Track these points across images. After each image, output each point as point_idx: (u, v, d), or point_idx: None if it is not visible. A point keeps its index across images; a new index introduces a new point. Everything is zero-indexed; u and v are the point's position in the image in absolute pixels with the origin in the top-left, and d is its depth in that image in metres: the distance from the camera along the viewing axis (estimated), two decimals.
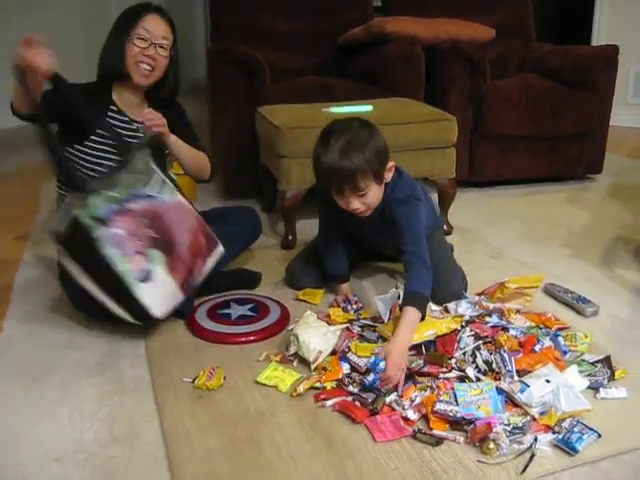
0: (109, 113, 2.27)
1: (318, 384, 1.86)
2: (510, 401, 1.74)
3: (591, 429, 1.63)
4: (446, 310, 2.19)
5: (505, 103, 3.62)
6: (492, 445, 1.57)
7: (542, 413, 1.70)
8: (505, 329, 2.04)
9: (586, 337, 2.05)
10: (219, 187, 3.57)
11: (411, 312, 1.93)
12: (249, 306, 2.31)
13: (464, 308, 2.17)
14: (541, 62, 4.05)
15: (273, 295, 2.42)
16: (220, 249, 2.23)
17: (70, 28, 5.83)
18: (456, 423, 1.67)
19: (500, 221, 3.27)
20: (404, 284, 2.05)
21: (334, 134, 2.05)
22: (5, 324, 2.26)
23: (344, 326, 2.13)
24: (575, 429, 1.62)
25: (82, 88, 2.25)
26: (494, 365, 1.85)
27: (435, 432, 1.65)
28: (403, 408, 1.73)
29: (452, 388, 1.76)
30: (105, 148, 2.23)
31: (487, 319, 2.10)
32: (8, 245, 2.99)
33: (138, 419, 1.75)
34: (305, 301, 2.39)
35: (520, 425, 1.63)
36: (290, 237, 2.89)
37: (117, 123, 2.28)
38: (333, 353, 1.99)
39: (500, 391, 1.75)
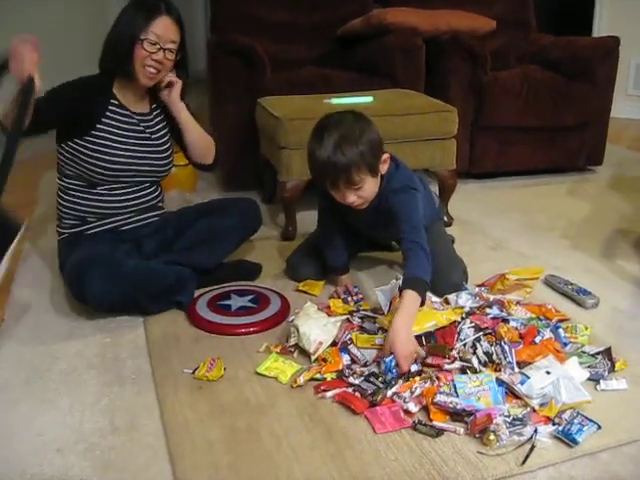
0: (110, 107, 2.26)
1: (318, 375, 1.86)
2: (510, 393, 1.74)
3: (591, 421, 1.63)
4: (446, 302, 2.19)
5: (506, 94, 3.61)
6: (492, 436, 1.58)
7: (542, 405, 1.70)
8: (505, 321, 2.04)
9: (586, 329, 2.05)
10: (219, 178, 3.57)
11: (410, 295, 1.91)
12: (249, 297, 2.31)
13: (464, 300, 2.17)
14: (542, 53, 4.04)
15: (273, 286, 2.43)
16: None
17: (71, 26, 5.82)
18: (456, 414, 1.68)
19: (500, 213, 3.26)
20: (404, 271, 2.04)
21: (327, 128, 2.04)
22: (6, 315, 2.26)
23: (344, 317, 2.13)
24: (575, 421, 1.63)
25: (83, 82, 2.24)
26: (494, 356, 1.85)
27: (435, 423, 1.66)
28: (404, 401, 1.73)
29: (452, 380, 1.76)
30: (106, 143, 2.22)
31: (487, 310, 2.10)
32: None
33: (138, 410, 1.75)
34: (305, 292, 2.39)
35: (520, 416, 1.63)
36: (290, 228, 2.89)
37: (118, 117, 2.26)
38: (333, 344, 1.99)
39: (500, 383, 1.75)
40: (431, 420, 1.67)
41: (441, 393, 1.71)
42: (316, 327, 1.98)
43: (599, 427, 1.63)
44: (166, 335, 2.11)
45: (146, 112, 2.36)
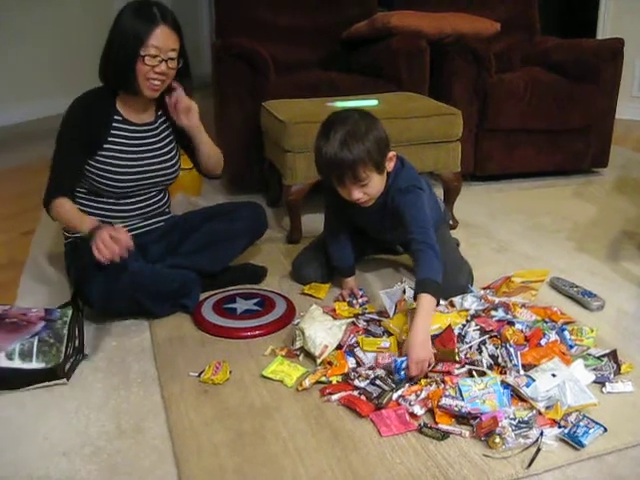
0: (114, 124, 2.24)
1: (324, 378, 1.86)
2: (516, 395, 1.74)
3: (597, 423, 1.63)
4: (451, 304, 2.19)
5: (510, 97, 3.61)
6: (498, 439, 1.58)
7: (548, 407, 1.69)
8: (511, 323, 2.03)
9: (592, 331, 2.05)
10: (224, 182, 3.57)
11: (426, 299, 1.91)
12: (255, 300, 2.31)
13: (470, 302, 2.17)
14: (546, 56, 4.04)
15: (279, 289, 2.43)
16: None
17: (70, 24, 5.83)
18: (462, 417, 1.68)
19: (505, 215, 3.26)
20: (415, 272, 2.04)
21: (334, 126, 2.06)
22: None
23: (350, 320, 2.13)
24: (581, 423, 1.62)
25: (84, 107, 2.22)
26: (500, 359, 1.85)
27: (441, 426, 1.66)
28: (409, 404, 1.73)
29: (457, 383, 1.76)
30: (113, 161, 2.22)
31: (493, 313, 2.09)
32: (14, 241, 3.00)
33: (144, 413, 1.76)
34: (310, 295, 2.39)
35: (526, 419, 1.63)
36: (295, 231, 2.89)
37: (123, 133, 2.26)
38: (339, 347, 1.99)
39: (506, 385, 1.75)
40: (437, 423, 1.67)
41: (446, 396, 1.71)
42: (321, 330, 1.98)
43: (605, 430, 1.62)
44: (172, 338, 2.12)
45: (151, 121, 2.34)
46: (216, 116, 3.56)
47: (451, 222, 3.02)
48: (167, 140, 2.39)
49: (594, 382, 1.82)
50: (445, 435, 1.63)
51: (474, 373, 1.82)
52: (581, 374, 1.79)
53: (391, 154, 2.13)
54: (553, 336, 1.98)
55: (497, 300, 2.17)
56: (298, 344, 2.00)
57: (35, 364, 1.87)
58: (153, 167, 2.32)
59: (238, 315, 2.22)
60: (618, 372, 1.87)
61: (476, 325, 1.99)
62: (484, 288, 2.32)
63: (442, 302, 2.10)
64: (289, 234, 2.91)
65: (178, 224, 2.48)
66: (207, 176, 2.58)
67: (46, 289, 2.47)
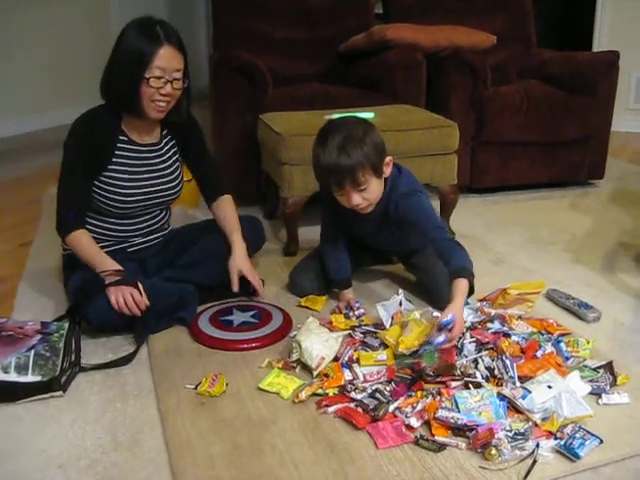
0: (119, 144, 2.23)
1: (320, 390, 1.86)
2: (512, 407, 1.74)
3: (593, 435, 1.63)
4: None
5: (506, 109, 3.62)
6: (494, 451, 1.58)
7: (544, 419, 1.69)
8: (507, 335, 2.04)
9: (588, 343, 2.05)
10: None
11: (463, 282, 1.99)
12: (251, 313, 2.32)
13: (466, 314, 2.16)
14: (542, 68, 4.06)
15: (275, 302, 2.43)
16: None
17: (70, 36, 5.85)
18: (458, 429, 1.68)
19: (502, 227, 3.27)
20: (447, 264, 2.08)
21: (331, 133, 2.09)
22: None
23: (346, 333, 2.13)
24: (577, 435, 1.63)
25: (89, 128, 2.20)
26: (496, 371, 1.86)
27: (437, 438, 1.66)
28: (406, 416, 1.73)
29: (453, 395, 1.76)
30: (117, 182, 2.22)
31: (489, 325, 2.10)
32: (12, 252, 3.00)
33: (140, 425, 1.75)
34: (307, 307, 2.39)
35: (522, 431, 1.63)
36: (292, 244, 2.90)
37: (127, 154, 2.24)
38: (335, 359, 1.99)
39: (502, 397, 1.75)
40: (433, 435, 1.67)
41: (443, 408, 1.71)
42: (318, 342, 1.98)
43: (601, 441, 1.62)
44: (168, 350, 2.12)
45: (156, 142, 2.33)
46: (213, 128, 3.57)
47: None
48: (171, 160, 2.38)
49: (590, 394, 1.82)
50: (441, 447, 1.63)
51: (470, 385, 1.82)
52: (577, 386, 1.79)
53: (388, 159, 2.15)
54: (549, 348, 1.99)
55: (493, 312, 2.18)
56: (295, 356, 2.00)
57: (31, 377, 1.87)
58: (156, 188, 2.31)
59: (235, 327, 2.22)
60: (614, 383, 1.87)
61: (472, 337, 2.00)
62: (480, 300, 2.33)
63: (438, 314, 2.10)
64: (286, 246, 2.92)
65: (176, 237, 2.49)
66: None
67: (43, 301, 2.46)
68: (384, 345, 2.05)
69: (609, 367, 1.91)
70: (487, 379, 1.85)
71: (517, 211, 3.54)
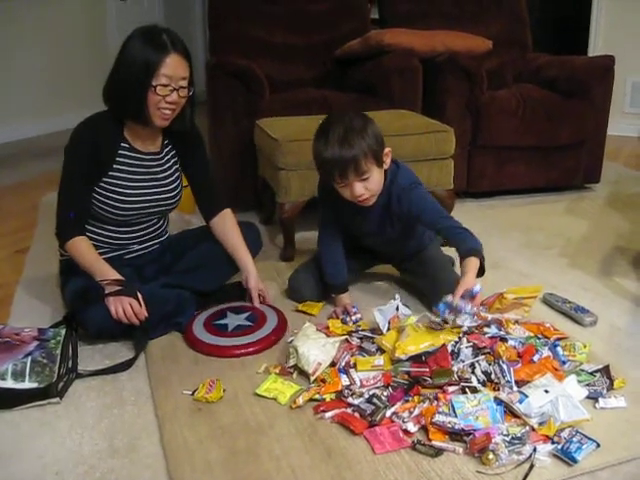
0: (120, 151, 2.22)
1: (317, 396, 1.86)
2: (509, 411, 1.74)
3: (590, 439, 1.63)
4: (445, 321, 2.19)
5: (502, 114, 3.63)
6: (491, 456, 1.58)
7: (541, 423, 1.70)
8: (504, 340, 2.04)
9: (585, 347, 2.05)
10: None
11: (473, 261, 2.07)
12: (245, 315, 2.30)
13: (462, 319, 2.16)
14: (538, 73, 4.07)
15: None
16: None
17: (69, 42, 5.86)
18: (455, 434, 1.68)
19: (498, 232, 3.27)
20: (458, 249, 2.16)
21: (331, 126, 2.13)
22: None
23: (343, 338, 2.13)
24: (574, 439, 1.63)
25: (90, 123, 2.20)
26: (493, 376, 1.86)
27: (434, 443, 1.66)
28: (403, 421, 1.73)
29: (450, 400, 1.76)
30: (117, 189, 2.22)
31: (486, 330, 2.10)
32: (9, 258, 3.00)
33: (138, 431, 1.75)
34: (304, 312, 2.39)
35: (519, 435, 1.63)
36: (289, 249, 2.90)
37: (128, 161, 2.24)
38: (332, 365, 1.99)
39: (499, 402, 1.75)
40: (430, 440, 1.67)
41: (440, 413, 1.71)
42: (315, 348, 1.98)
43: (598, 445, 1.63)
44: (165, 356, 2.12)
45: (157, 151, 2.33)
46: (210, 133, 3.58)
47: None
48: (172, 170, 2.38)
49: (587, 398, 1.82)
50: (439, 452, 1.63)
51: (467, 390, 1.82)
52: (574, 390, 1.79)
53: (387, 149, 2.19)
54: (546, 352, 1.99)
55: (490, 317, 2.18)
56: (292, 362, 2.00)
57: (28, 384, 1.87)
58: (156, 197, 2.31)
59: (229, 332, 2.21)
60: (611, 387, 1.87)
61: (469, 342, 2.00)
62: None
63: (434, 319, 2.10)
64: (283, 251, 2.92)
65: (172, 244, 2.49)
66: None
67: (40, 308, 2.46)
68: (381, 350, 2.05)
69: (606, 371, 1.91)
70: (484, 384, 1.85)
71: (513, 215, 3.55)
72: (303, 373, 1.97)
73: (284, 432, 1.73)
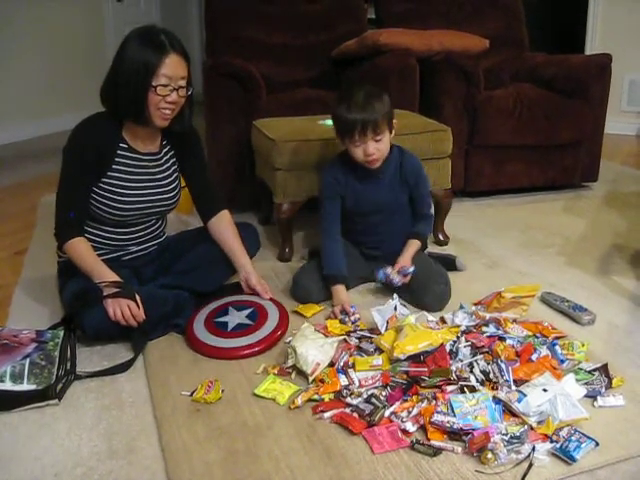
0: (119, 152, 2.22)
1: (316, 396, 1.86)
2: (508, 411, 1.74)
3: (589, 437, 1.63)
4: (443, 321, 2.20)
5: (500, 113, 3.63)
6: (490, 455, 1.58)
7: (540, 422, 1.70)
8: (502, 339, 2.04)
9: (583, 345, 2.06)
10: None
11: (415, 242, 2.52)
12: (247, 312, 2.29)
13: (461, 318, 2.17)
14: (535, 72, 4.07)
15: None
16: None
17: (68, 43, 5.87)
18: (454, 434, 1.68)
19: (496, 231, 3.28)
20: (413, 226, 2.57)
21: (352, 90, 2.38)
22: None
23: (341, 338, 2.13)
24: (573, 438, 1.63)
25: (89, 123, 2.20)
26: (491, 375, 1.86)
27: (433, 443, 1.66)
28: (401, 420, 1.73)
29: (449, 399, 1.76)
30: (115, 189, 2.21)
31: (484, 329, 2.10)
32: (6, 260, 3.00)
33: (136, 433, 1.75)
34: (298, 312, 2.39)
35: (518, 434, 1.63)
36: (287, 249, 2.90)
37: (127, 161, 2.23)
38: (331, 365, 1.99)
39: (497, 401, 1.75)
40: (429, 439, 1.67)
41: (438, 413, 1.71)
42: (313, 348, 1.98)
43: (597, 444, 1.63)
44: (163, 357, 2.11)
45: (156, 152, 2.33)
46: (207, 134, 3.58)
47: (442, 238, 3.05)
48: (170, 171, 2.38)
49: (585, 396, 1.82)
50: (437, 451, 1.63)
51: (465, 389, 1.83)
52: (572, 388, 1.79)
53: (395, 120, 2.43)
54: (544, 351, 1.99)
55: (488, 316, 2.18)
56: (290, 362, 2.00)
57: (26, 386, 1.87)
58: (154, 197, 2.31)
59: (229, 332, 2.20)
60: (609, 386, 1.87)
61: (467, 341, 2.00)
62: (475, 304, 2.33)
63: (433, 318, 2.11)
64: (280, 252, 2.92)
65: (170, 245, 2.48)
66: None
67: (38, 309, 2.46)
68: (379, 350, 2.05)
69: (604, 370, 1.91)
70: (482, 383, 1.85)
71: (511, 214, 3.55)
72: (302, 373, 1.97)
73: (283, 432, 1.73)
